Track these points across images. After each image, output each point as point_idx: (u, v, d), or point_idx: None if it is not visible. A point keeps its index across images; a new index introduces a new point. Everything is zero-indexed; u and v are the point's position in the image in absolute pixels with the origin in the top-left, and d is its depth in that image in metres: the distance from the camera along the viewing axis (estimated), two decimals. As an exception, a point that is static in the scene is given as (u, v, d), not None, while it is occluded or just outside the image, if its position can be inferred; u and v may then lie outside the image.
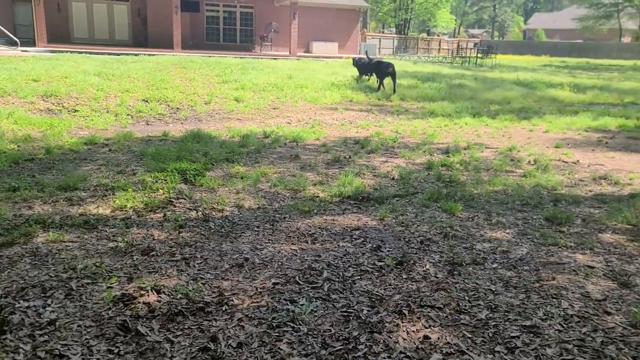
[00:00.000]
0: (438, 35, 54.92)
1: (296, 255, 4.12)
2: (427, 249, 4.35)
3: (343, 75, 16.52)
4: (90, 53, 19.84)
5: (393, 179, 6.45)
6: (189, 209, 5.07)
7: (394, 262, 4.02)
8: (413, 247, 4.37)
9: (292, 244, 4.36)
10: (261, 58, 23.53)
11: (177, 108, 10.98)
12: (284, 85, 13.87)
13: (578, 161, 7.74)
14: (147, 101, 11.09)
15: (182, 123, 9.94)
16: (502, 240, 4.59)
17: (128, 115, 10.10)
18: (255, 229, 4.66)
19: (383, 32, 57.97)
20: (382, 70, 14.50)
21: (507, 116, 11.52)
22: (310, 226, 4.76)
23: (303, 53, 28.80)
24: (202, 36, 28.39)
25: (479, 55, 27.65)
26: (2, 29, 20.73)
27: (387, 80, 14.78)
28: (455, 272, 3.90)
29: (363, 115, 11.47)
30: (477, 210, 5.38)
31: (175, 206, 5.13)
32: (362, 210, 5.29)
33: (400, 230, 4.75)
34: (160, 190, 5.48)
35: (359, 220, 4.98)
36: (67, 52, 20.11)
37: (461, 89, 15.59)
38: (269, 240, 4.40)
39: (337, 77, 15.99)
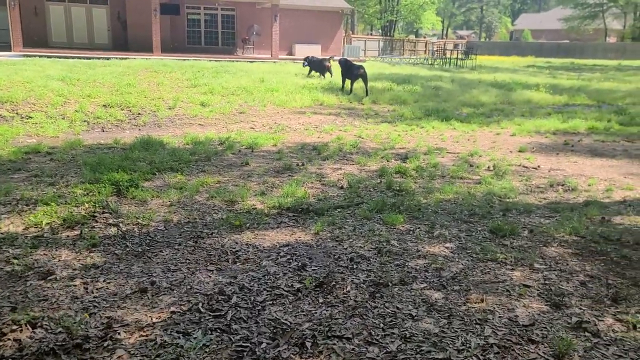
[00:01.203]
0: (424, 37, 54.77)
1: (210, 277, 3.79)
2: (355, 267, 4.03)
3: (318, 78, 16.19)
4: (66, 57, 19.41)
5: (341, 187, 6.13)
6: (110, 224, 4.72)
7: (314, 283, 3.70)
8: (341, 266, 4.05)
9: (211, 263, 4.03)
10: (240, 61, 23.17)
11: (139, 114, 10.61)
12: (255, 88, 13.53)
13: (539, 166, 7.45)
14: (107, 107, 10.71)
15: (139, 129, 9.58)
16: (439, 255, 4.28)
17: (84, 121, 9.73)
18: (176, 246, 4.32)
19: (371, 34, 57.73)
20: (353, 72, 14.18)
21: (476, 119, 11.24)
22: (236, 242, 4.43)
23: (286, 56, 28.47)
24: (183, 39, 27.97)
25: (460, 56, 27.40)
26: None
27: (360, 84, 14.48)
28: (377, 295, 3.59)
29: (330, 119, 11.16)
30: (420, 221, 5.07)
31: (97, 221, 4.78)
32: (298, 223, 4.96)
33: (332, 246, 4.42)
34: (86, 204, 5.13)
35: (292, 235, 4.65)
36: (41, 56, 19.67)
37: (435, 91, 15.31)
38: (186, 260, 4.07)
39: (312, 80, 15.66)
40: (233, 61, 21.98)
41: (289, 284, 3.70)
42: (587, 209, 5.50)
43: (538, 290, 3.72)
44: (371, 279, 3.81)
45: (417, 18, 47.67)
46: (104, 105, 10.79)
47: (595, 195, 6.12)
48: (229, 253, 4.22)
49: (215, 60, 20.52)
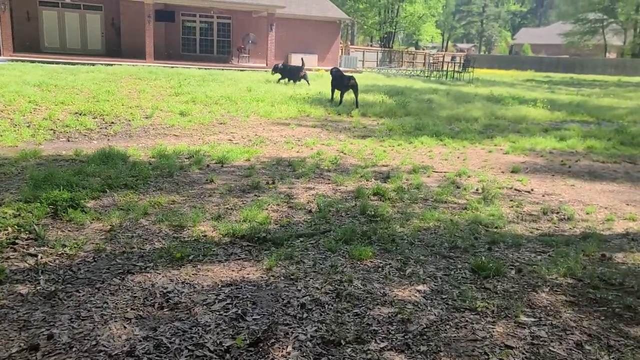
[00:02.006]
0: (423, 49, 54.31)
1: (125, 328, 3.09)
2: (305, 316, 3.33)
3: (307, 88, 15.56)
4: (54, 62, 18.82)
5: (309, 211, 5.44)
6: (29, 254, 4.03)
7: (249, 340, 3.00)
8: (289, 314, 3.35)
9: (132, 308, 3.33)
10: (231, 70, 22.58)
11: (112, 122, 9.95)
12: (240, 98, 12.88)
13: (532, 190, 6.76)
14: (79, 114, 10.05)
15: (108, 140, 8.90)
16: (408, 302, 3.58)
17: (51, 130, 9.06)
18: (98, 285, 3.62)
19: (371, 45, 57.30)
20: (344, 82, 13.53)
21: (468, 135, 10.55)
22: (171, 281, 3.73)
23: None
24: (177, 47, 27.42)
25: (457, 69, 26.79)
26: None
27: (351, 95, 13.83)
28: (323, 359, 2.88)
29: (315, 132, 10.48)
30: (392, 255, 4.37)
31: (15, 250, 4.09)
32: (251, 255, 4.26)
33: (284, 287, 3.72)
34: (10, 228, 4.44)
35: (240, 271, 3.95)
36: (29, 61, 19.08)
37: (429, 104, 14.65)
38: (104, 303, 3.37)
39: (300, 90, 15.03)
40: (224, 69, 21.38)
41: (218, 341, 3.00)
42: (584, 244, 4.80)
43: (523, 354, 3.01)
44: (321, 335, 3.11)
45: (416, 30, 47.23)
46: (76, 113, 10.13)
47: (594, 226, 5.41)
48: (158, 295, 3.52)
49: (206, 69, 19.93)
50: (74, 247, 4.16)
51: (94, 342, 2.92)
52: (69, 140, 8.66)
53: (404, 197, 6.06)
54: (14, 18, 24.03)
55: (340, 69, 16.19)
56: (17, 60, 19.56)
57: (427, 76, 26.76)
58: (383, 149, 9.00)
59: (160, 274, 3.83)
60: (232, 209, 5.38)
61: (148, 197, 5.59)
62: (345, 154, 8.50)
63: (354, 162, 7.88)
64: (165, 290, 3.58)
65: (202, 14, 27.78)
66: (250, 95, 13.32)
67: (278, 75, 17.84)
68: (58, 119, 9.63)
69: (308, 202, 5.73)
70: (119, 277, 3.74)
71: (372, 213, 5.37)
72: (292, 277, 3.88)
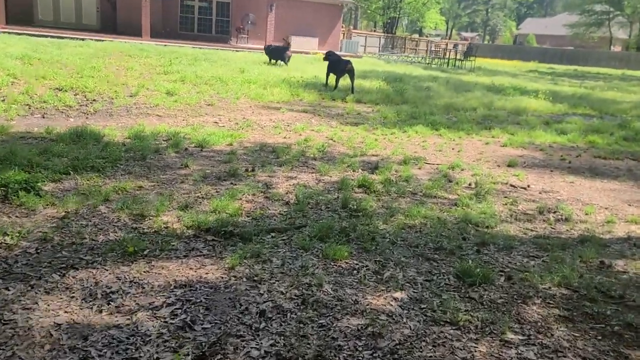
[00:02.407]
0: (427, 36, 53.45)
1: (51, 335, 2.68)
2: (263, 327, 2.92)
3: (303, 71, 15.03)
4: (46, 36, 18.21)
5: (286, 203, 5.01)
6: (-36, 243, 3.60)
7: (190, 357, 2.59)
8: (244, 323, 2.94)
9: (66, 311, 2.92)
10: (230, 50, 21.99)
11: (93, 100, 9.46)
12: (231, 79, 12.37)
13: (529, 186, 6.32)
14: (60, 90, 9.57)
15: (87, 117, 8.43)
16: (383, 312, 3.17)
17: (26, 105, 8.58)
18: (34, 281, 3.21)
19: (375, 30, 56.39)
20: (340, 67, 13.01)
21: (465, 125, 10.08)
22: (118, 278, 3.32)
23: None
24: (175, 25, 26.76)
25: (458, 57, 26.16)
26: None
27: (347, 80, 13.32)
28: (275, 380, 2.48)
29: (306, 117, 10.01)
30: (371, 256, 3.96)
31: (-50, 238, 3.66)
32: (214, 252, 3.84)
33: (245, 290, 3.31)
34: (-50, 213, 4.01)
35: (198, 270, 3.54)
36: (19, 34, 18.49)
37: (427, 92, 14.14)
38: (34, 304, 2.95)
39: (297, 73, 14.50)
40: (219, 49, 20.80)
41: (155, 356, 2.59)
42: (582, 248, 4.38)
43: (507, 381, 2.61)
44: (277, 350, 2.70)
45: (420, 16, 46.39)
46: (56, 89, 9.64)
47: (593, 228, 4.99)
48: (99, 296, 3.11)
49: (201, 48, 19.38)
50: (16, 236, 3.74)
51: (9, 353, 2.51)
52: (44, 117, 8.19)
53: (390, 190, 5.63)
54: (7, -11, 23.34)
55: (338, 52, 15.65)
56: (7, 32, 18.98)
57: (428, 63, 26.15)
58: (375, 137, 8.55)
59: (107, 270, 3.41)
60: (203, 197, 4.95)
61: (114, 182, 5.16)
62: (334, 141, 8.04)
63: (342, 151, 7.43)
64: (108, 290, 3.17)
65: (201, -8, 27.07)
66: (243, 77, 12.81)
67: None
68: (36, 94, 9.15)
69: (287, 193, 5.30)
70: (59, 273, 3.32)
71: (355, 207, 4.95)
72: (255, 278, 3.47)
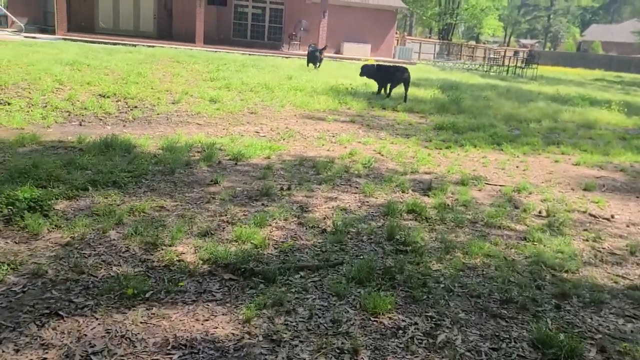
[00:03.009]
0: (484, 43, 51.45)
1: (2, 417, 2.05)
2: (275, 414, 2.19)
3: (353, 79, 14.28)
4: (101, 42, 18.44)
5: (323, 231, 4.27)
6: (-55, 276, 3.09)
7: None
8: (251, 408, 2.22)
9: (31, 379, 2.30)
10: (280, 56, 21.59)
11: (135, 107, 9.12)
12: (277, 86, 11.81)
13: (613, 216, 5.29)
14: (102, 96, 9.29)
15: (124, 125, 8.05)
16: (435, 397, 2.37)
17: (66, 112, 8.31)
18: (5, 334, 2.62)
19: (430, 37, 54.94)
20: (398, 76, 12.18)
21: (530, 139, 9.01)
22: (107, 332, 2.69)
23: (333, 54, 26.67)
24: (229, 32, 26.72)
25: (519, 64, 24.60)
26: (8, 13, 19.66)
27: (401, 89, 12.47)
28: None
29: (353, 127, 9.25)
30: (421, 309, 3.16)
31: None
32: (229, 295, 3.16)
33: (259, 354, 2.60)
34: (-58, 236, 3.54)
35: (206, 322, 2.87)
36: (79, 40, 18.84)
37: (486, 102, 13.04)
38: (-4, 366, 2.36)
39: (346, 81, 13.78)
40: (267, 56, 20.43)
41: None
42: (695, 308, 3.39)
43: None
44: None
45: (478, 23, 44.64)
46: (99, 95, 9.37)
47: None
48: (77, 357, 2.47)
49: (251, 54, 19.06)
50: (5, 269, 3.19)
51: None
52: (81, 125, 7.86)
53: (446, 218, 4.78)
54: (71, -1, 24.02)
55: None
56: (67, 39, 19.38)
57: (486, 71, 24.77)
58: (428, 151, 7.68)
59: (97, 319, 2.80)
60: (228, 222, 4.30)
61: (133, 200, 4.60)
62: (382, 155, 7.24)
63: (391, 167, 6.62)
64: (90, 350, 2.54)
65: (255, -1, 26.93)
66: (290, 84, 12.22)
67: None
68: (78, 100, 8.89)
69: (324, 218, 4.57)
70: (38, 322, 2.73)
71: (403, 239, 4.15)
72: (274, 337, 2.75)
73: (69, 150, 6.19)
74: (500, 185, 6.11)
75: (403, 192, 5.56)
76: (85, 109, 8.57)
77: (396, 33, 35.73)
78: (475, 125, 9.91)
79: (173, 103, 9.68)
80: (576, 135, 10.10)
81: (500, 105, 12.75)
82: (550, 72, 29.16)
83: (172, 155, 6.07)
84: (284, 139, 7.91)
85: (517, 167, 7.16)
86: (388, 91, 12.43)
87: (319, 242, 4.04)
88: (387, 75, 12.53)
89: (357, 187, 5.59)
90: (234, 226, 4.19)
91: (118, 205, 4.46)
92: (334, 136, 8.48)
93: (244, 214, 4.51)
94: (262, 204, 4.83)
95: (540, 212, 5.20)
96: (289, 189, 5.33)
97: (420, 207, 4.90)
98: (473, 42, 53.38)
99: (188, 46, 21.23)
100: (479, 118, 10.89)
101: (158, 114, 8.89)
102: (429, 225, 4.62)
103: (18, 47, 13.47)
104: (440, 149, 7.97)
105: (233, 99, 10.49)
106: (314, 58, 17.02)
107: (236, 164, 6.20)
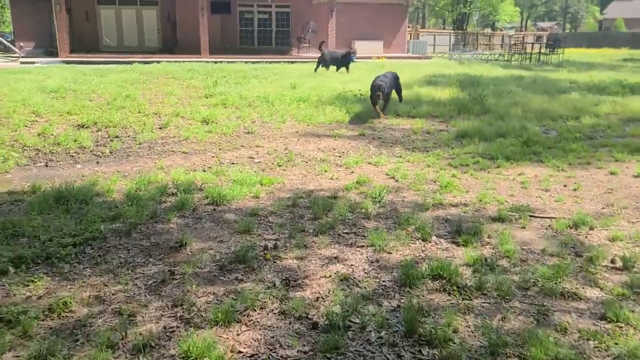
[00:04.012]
0: (501, 30, 49.24)
1: None
2: None
3: (363, 82, 12.91)
4: (103, 63, 17.51)
5: (314, 326, 2.98)
6: None
7: None
8: None
9: None
10: (288, 62, 20.37)
11: (115, 137, 7.97)
12: (279, 98, 10.55)
13: None
14: (81, 127, 8.19)
15: (97, 162, 6.89)
16: None
17: (35, 150, 7.20)
18: None
19: (444, 28, 52.97)
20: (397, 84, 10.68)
21: (571, 144, 7.53)
22: None
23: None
24: (235, 40, 25.59)
25: (543, 50, 22.76)
26: (2, 39, 18.90)
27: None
28: None
29: (362, 142, 7.92)
30: None
31: None
32: None
33: None
34: None
35: None
36: (80, 62, 17.95)
37: (511, 98, 11.51)
38: None
39: (355, 85, 12.43)
40: (276, 62, 19.22)
41: None
42: None
43: None
44: None
45: (493, 9, 42.58)
46: (78, 126, 8.27)
47: None
48: None
49: (254, 62, 17.87)
50: None
51: None
52: (47, 165, 6.73)
53: (486, 284, 3.43)
54: (74, 19, 23.24)
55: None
56: (69, 62, 18.53)
57: (507, 60, 23.02)
58: (452, 171, 6.30)
59: None
60: (181, 319, 3.04)
61: (62, 287, 3.40)
62: (397, 181, 5.90)
63: (408, 198, 5.28)
64: None
65: (260, 4, 25.76)
66: (292, 94, 10.95)
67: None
68: (52, 135, 7.79)
69: (317, 299, 3.28)
70: None
71: (428, 335, 2.83)
72: None
73: (14, 206, 5.03)
74: (549, 218, 4.71)
75: (425, 239, 4.21)
76: (57, 144, 7.46)
77: (408, 26, 34.15)
78: (503, 129, 8.45)
79: (160, 128, 8.52)
80: (625, 132, 8.54)
81: (529, 101, 11.23)
82: (575, 55, 27.17)
83: (134, 206, 4.85)
84: (280, 165, 6.65)
85: (564, 186, 5.72)
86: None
87: (305, 351, 2.75)
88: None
89: (364, 237, 4.27)
90: (188, 328, 2.94)
91: (37, 299, 3.25)
92: (340, 156, 7.18)
93: (207, 301, 3.25)
94: (236, 278, 3.56)
95: (613, 262, 3.80)
96: (275, 247, 4.05)
97: (449, 270, 3.56)
98: (489, 30, 51.21)
99: (193, 58, 20.16)
100: (506, 119, 9.41)
101: (140, 144, 7.73)
102: (463, 299, 3.28)
103: (5, 74, 12.53)
104: (467, 165, 6.58)
105: (228, 117, 9.27)
106: (345, 61, 15.98)
107: (215, 210, 4.95)
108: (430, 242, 4.18)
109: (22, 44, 23.53)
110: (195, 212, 4.88)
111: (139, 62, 16.78)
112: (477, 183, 5.83)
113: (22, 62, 16.96)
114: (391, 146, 7.77)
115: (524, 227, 4.51)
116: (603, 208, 5.00)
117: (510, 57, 23.38)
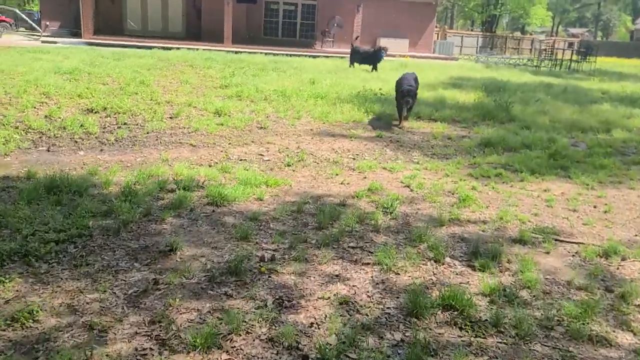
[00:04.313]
0: (531, 34, 48.00)
1: None
2: None
3: (385, 80, 12.44)
4: (126, 46, 17.35)
5: (302, 359, 2.62)
6: None
7: None
8: None
9: None
10: (311, 55, 19.95)
11: (124, 124, 7.70)
12: (296, 93, 10.17)
13: None
14: (90, 112, 7.93)
15: (101, 149, 6.62)
16: None
17: (39, 133, 6.96)
18: None
19: (472, 30, 51.91)
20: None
21: (602, 160, 7.01)
22: None
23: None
24: (259, 30, 25.24)
25: (575, 58, 21.92)
26: (25, 17, 18.85)
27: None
28: None
29: (379, 145, 7.50)
30: None
31: None
32: None
33: None
34: None
35: None
36: (103, 44, 17.81)
37: (539, 106, 10.94)
38: None
39: (377, 83, 11.98)
40: (299, 55, 18.82)
41: None
42: None
43: None
44: None
45: (524, 13, 41.46)
46: (87, 110, 8.02)
47: None
48: None
49: (274, 54, 17.51)
50: None
51: None
52: (49, 150, 6.47)
53: (503, 320, 3.02)
54: (100, 1, 23.14)
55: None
56: (92, 43, 18.41)
57: (536, 66, 22.25)
58: (472, 183, 5.85)
59: None
60: (157, 340, 2.71)
61: (34, 291, 3.09)
62: (412, 190, 5.49)
63: (422, 211, 4.87)
64: None
65: (286, -5, 25.33)
66: (311, 90, 10.55)
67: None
68: (59, 118, 7.54)
69: (311, 325, 2.91)
70: None
71: (433, 383, 2.43)
72: None
73: (4, 193, 4.76)
74: (577, 243, 4.26)
75: (437, 261, 3.81)
76: (63, 128, 7.20)
77: (436, 26, 33.44)
78: (530, 139, 7.95)
79: (171, 118, 8.21)
80: (661, 150, 7.97)
81: (558, 110, 10.66)
82: (606, 65, 26.20)
83: (129, 202, 4.53)
84: (290, 165, 6.28)
85: (594, 206, 5.24)
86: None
87: (291, 391, 2.39)
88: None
89: (371, 253, 3.88)
90: (162, 351, 2.60)
91: (4, 303, 2.95)
92: (354, 158, 6.78)
93: (188, 319, 2.91)
94: (225, 293, 3.21)
95: (650, 302, 3.35)
96: (272, 259, 3.69)
97: (463, 300, 3.15)
98: (519, 34, 49.99)
99: (215, 47, 19.90)
100: (533, 128, 8.90)
101: (147, 133, 7.43)
102: (477, 336, 2.88)
103: (24, 53, 12.40)
104: (489, 177, 6.12)
105: (242, 110, 8.93)
106: (375, 58, 15.43)
107: (214, 211, 4.61)
108: (443, 263, 3.78)
109: (47, 24, 23.52)
110: (192, 212, 4.54)
111: (159, 47, 16.57)
112: (499, 198, 5.38)
113: (43, 42, 16.86)
114: (409, 151, 7.34)
115: (548, 253, 4.07)
116: (636, 235, 4.52)
117: (540, 62, 22.60)
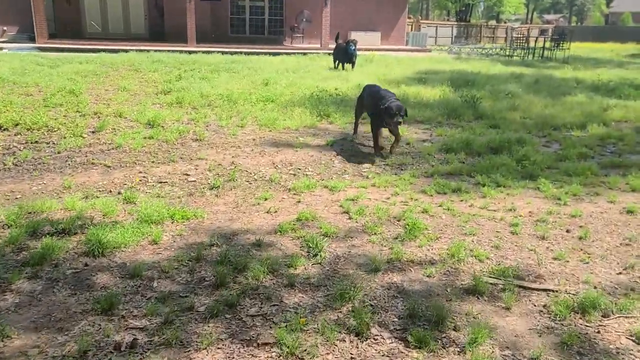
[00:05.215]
0: (505, 22, 47.20)
1: None
2: None
3: (346, 79, 11.39)
4: (80, 51, 16.07)
5: None
6: None
7: None
8: None
9: None
10: (277, 53, 18.85)
11: (35, 142, 6.57)
12: (244, 97, 9.09)
13: None
14: (0, 129, 6.80)
15: (-7, 178, 5.50)
16: None
17: None
18: None
19: (447, 20, 50.94)
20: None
21: (577, 164, 6.06)
22: None
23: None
24: (225, 28, 24.00)
25: (548, 45, 21.03)
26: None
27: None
28: None
29: (326, 156, 6.47)
30: None
31: None
32: None
33: None
34: None
35: None
36: (53, 49, 16.53)
37: (510, 100, 9.99)
38: None
39: (335, 83, 10.93)
40: (264, 53, 17.71)
41: None
42: None
43: None
44: None
45: (498, 1, 40.61)
46: (-5, 128, 6.87)
47: None
48: None
49: (231, 54, 16.38)
50: None
51: None
52: None
53: None
54: (55, 2, 21.71)
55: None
56: (44, 49, 17.11)
57: (508, 55, 21.34)
58: (425, 203, 4.85)
59: None
60: None
61: None
62: (350, 218, 4.47)
63: (358, 249, 3.85)
64: None
65: (251, -10, 24.09)
66: (261, 93, 9.48)
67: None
68: (-44, 139, 6.40)
69: None
70: None
71: None
72: None
73: None
74: (545, 291, 3.28)
75: (360, 334, 2.79)
76: (-45, 152, 6.06)
77: (409, 17, 32.46)
78: (497, 142, 6.97)
79: (93, 132, 7.10)
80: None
81: (529, 105, 9.71)
82: (581, 51, 25.43)
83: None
84: (213, 189, 5.23)
85: (567, 231, 4.27)
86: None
87: None
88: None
89: (273, 327, 2.85)
90: None
91: None
92: (294, 174, 5.75)
93: None
94: (38, 419, 2.16)
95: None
96: (132, 347, 2.64)
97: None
98: (493, 22, 49.17)
99: (179, 47, 18.71)
100: (502, 127, 7.94)
101: (58, 153, 6.31)
102: None
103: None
104: (445, 194, 5.12)
105: (179, 119, 7.84)
106: (346, 55, 13.10)
107: (87, 265, 3.54)
108: (367, 338, 2.76)
109: (5, 28, 22.05)
110: (56, 269, 3.47)
111: (121, 50, 15.33)
112: (454, 223, 4.38)
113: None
114: (360, 162, 6.32)
115: (509, 309, 3.08)
116: (620, 273, 3.55)
117: (512, 51, 21.69)
